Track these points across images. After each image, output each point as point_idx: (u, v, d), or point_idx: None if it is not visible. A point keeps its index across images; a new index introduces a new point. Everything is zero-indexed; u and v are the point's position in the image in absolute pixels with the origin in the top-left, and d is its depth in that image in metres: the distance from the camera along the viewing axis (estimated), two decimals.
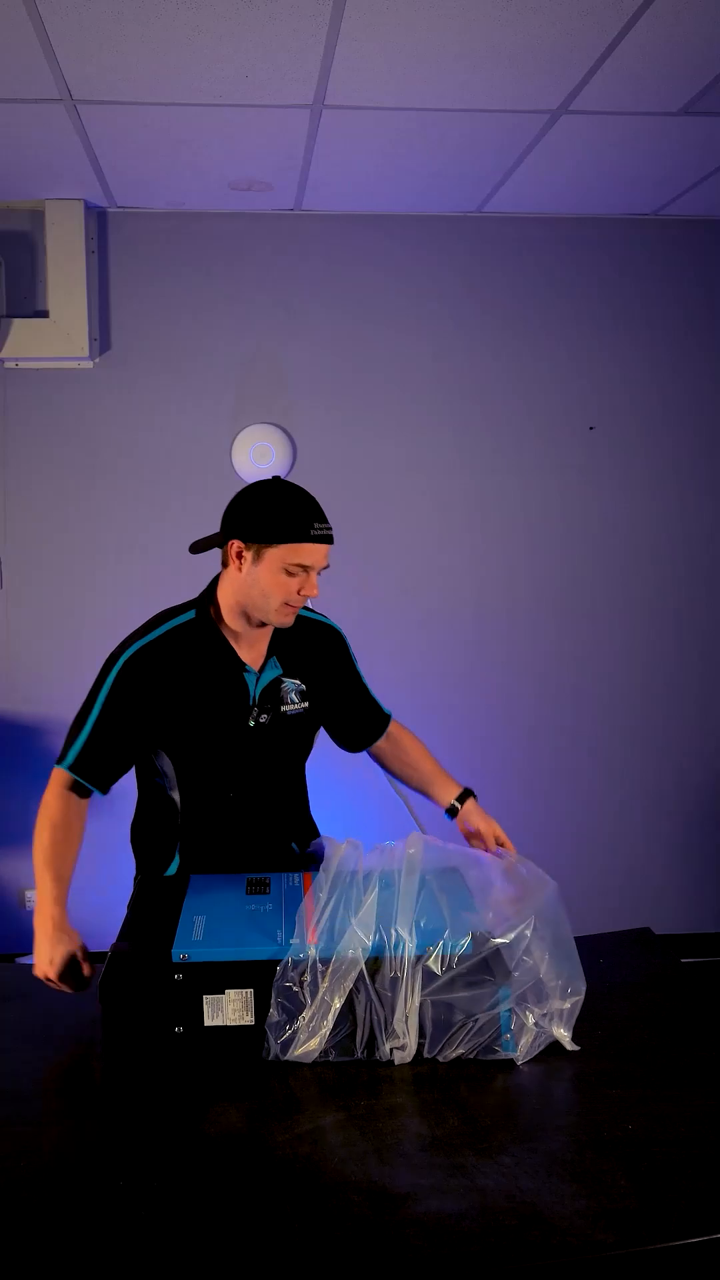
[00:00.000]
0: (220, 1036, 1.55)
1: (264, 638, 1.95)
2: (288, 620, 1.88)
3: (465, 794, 2.05)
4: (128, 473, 3.57)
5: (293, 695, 1.96)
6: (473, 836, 2.00)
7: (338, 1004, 1.54)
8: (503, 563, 3.72)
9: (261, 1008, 1.55)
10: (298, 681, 1.98)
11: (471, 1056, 1.57)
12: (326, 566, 1.86)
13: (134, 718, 1.89)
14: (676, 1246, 1.18)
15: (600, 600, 3.76)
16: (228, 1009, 1.55)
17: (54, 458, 3.54)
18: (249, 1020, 1.56)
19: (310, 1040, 1.54)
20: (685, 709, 3.82)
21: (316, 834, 2.10)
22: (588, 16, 2.28)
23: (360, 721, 2.11)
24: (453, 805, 2.05)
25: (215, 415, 3.57)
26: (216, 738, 1.92)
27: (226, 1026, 1.55)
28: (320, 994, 1.54)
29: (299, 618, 1.95)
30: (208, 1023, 1.55)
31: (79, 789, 1.91)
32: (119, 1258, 1.17)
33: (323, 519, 1.84)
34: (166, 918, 1.69)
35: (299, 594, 1.84)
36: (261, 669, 1.95)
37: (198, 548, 1.94)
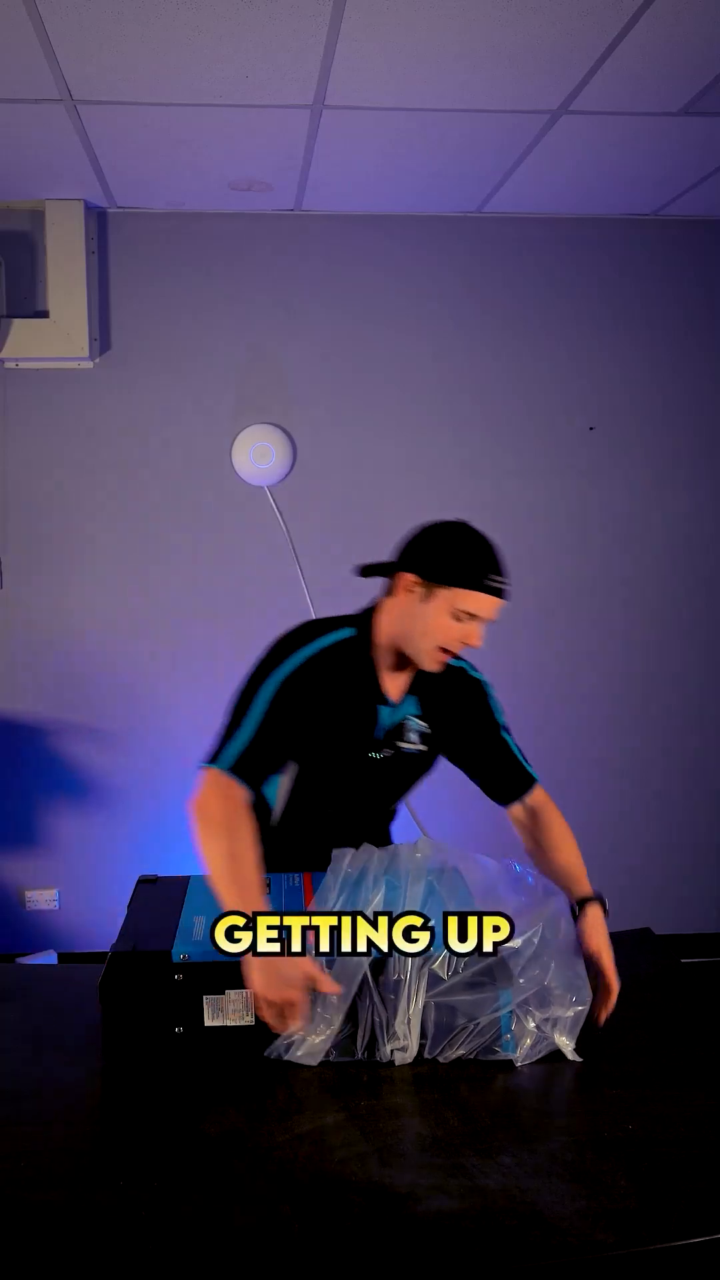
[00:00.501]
0: (220, 1037, 1.56)
1: (408, 673, 1.93)
2: (438, 665, 1.85)
3: (594, 900, 1.87)
4: (128, 473, 3.57)
5: (413, 734, 1.94)
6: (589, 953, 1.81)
7: (343, 1004, 1.54)
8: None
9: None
10: (423, 723, 1.95)
11: (471, 1057, 1.57)
12: (493, 619, 1.83)
13: (290, 727, 1.83)
14: (676, 1246, 1.18)
15: (600, 600, 3.76)
16: (228, 1009, 1.56)
17: (54, 458, 3.54)
18: (249, 1020, 1.56)
19: (314, 1040, 1.54)
20: (686, 709, 3.82)
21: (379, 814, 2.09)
22: (588, 16, 2.28)
23: (499, 775, 2.04)
24: (574, 906, 1.88)
25: (215, 415, 3.57)
26: (339, 762, 1.91)
27: (227, 1027, 1.56)
28: (325, 994, 1.54)
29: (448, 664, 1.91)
30: (208, 1023, 1.55)
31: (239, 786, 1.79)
32: (119, 1258, 1.17)
33: (500, 572, 1.81)
34: (166, 918, 1.68)
35: (459, 641, 1.82)
36: (399, 704, 1.93)
37: (369, 572, 1.93)
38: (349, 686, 1.87)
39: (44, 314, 3.43)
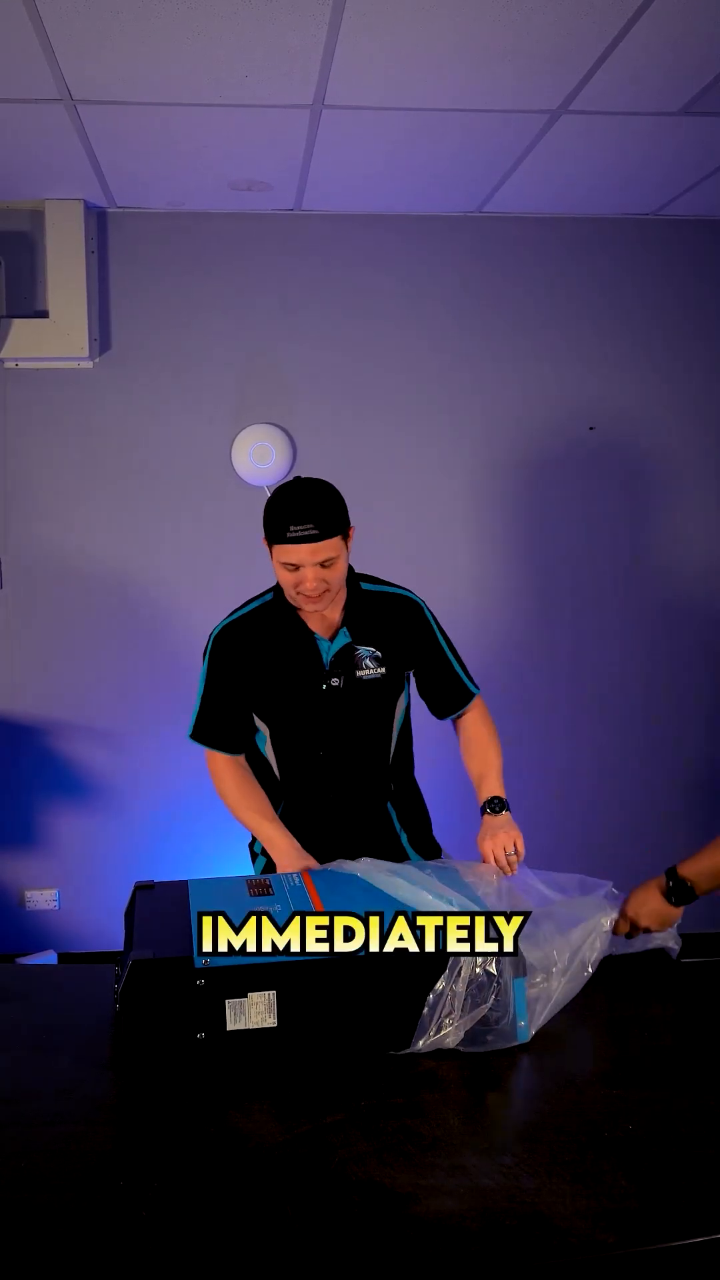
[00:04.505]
0: (243, 1040, 1.54)
1: (337, 610, 2.13)
2: (308, 606, 2.05)
3: (496, 803, 2.09)
4: (128, 473, 3.57)
5: (367, 661, 2.12)
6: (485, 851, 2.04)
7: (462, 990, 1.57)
8: (503, 562, 3.72)
9: (284, 1009, 1.55)
10: (373, 649, 2.13)
11: (483, 1046, 1.58)
12: (329, 560, 1.99)
13: (232, 682, 2.13)
14: (676, 1246, 1.18)
15: (600, 600, 3.75)
16: (250, 1012, 1.55)
17: (54, 458, 3.54)
18: (271, 1022, 1.55)
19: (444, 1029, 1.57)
20: (686, 708, 3.82)
21: (421, 804, 2.29)
22: (588, 16, 2.28)
23: (442, 690, 2.23)
24: (483, 808, 2.11)
25: (215, 415, 3.57)
26: (297, 700, 2.12)
27: (249, 1030, 1.55)
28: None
29: (378, 593, 2.18)
30: (230, 1027, 1.54)
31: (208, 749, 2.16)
32: (119, 1258, 1.17)
33: (302, 520, 1.96)
34: (176, 924, 1.67)
35: (294, 589, 2.01)
36: (333, 638, 2.12)
37: None
38: (282, 635, 2.12)
39: (44, 314, 3.43)
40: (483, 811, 2.09)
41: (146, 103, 2.68)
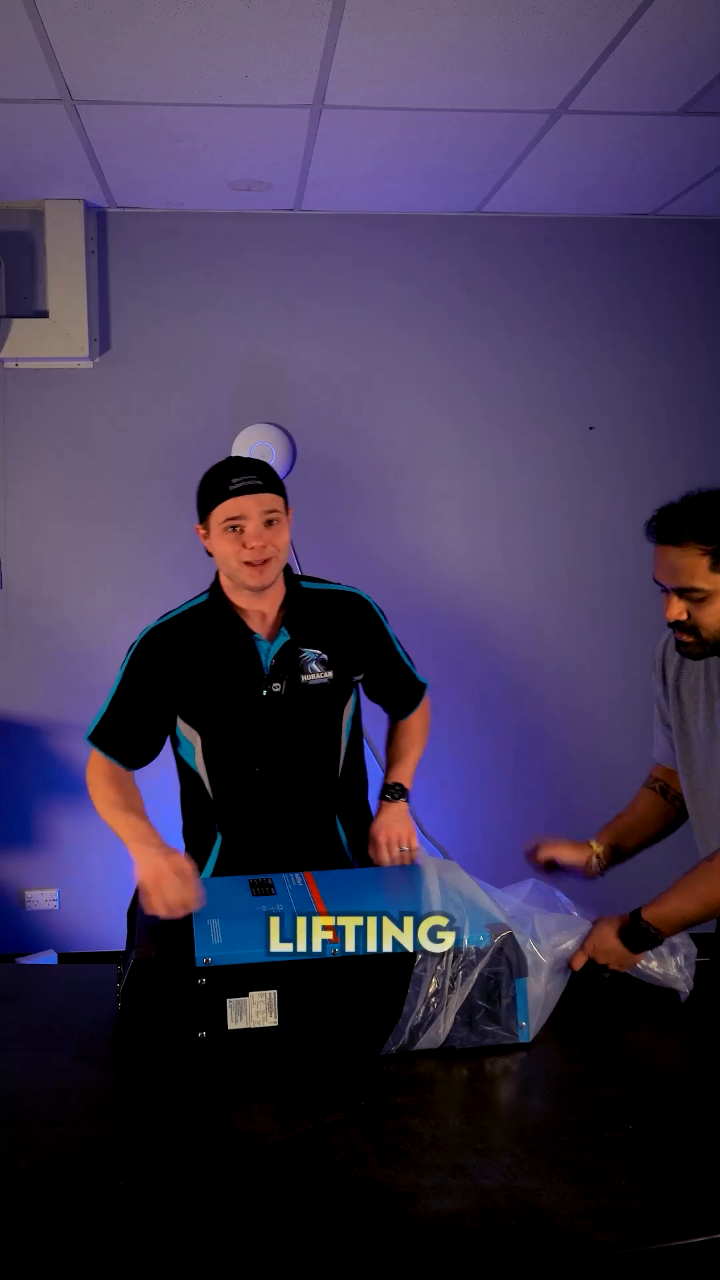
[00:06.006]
0: (243, 1039, 1.54)
1: (275, 607, 1.99)
2: (258, 579, 1.90)
3: (396, 789, 2.05)
4: (127, 472, 3.57)
5: (313, 665, 1.97)
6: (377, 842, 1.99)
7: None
8: (502, 562, 3.72)
9: (285, 1008, 1.55)
10: (318, 651, 1.98)
11: (485, 1043, 1.58)
12: (274, 515, 1.91)
13: (150, 690, 1.98)
14: (676, 1246, 1.18)
15: (600, 600, 3.75)
16: (251, 1011, 1.55)
17: (54, 458, 3.54)
18: (272, 1021, 1.55)
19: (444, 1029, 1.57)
20: None
21: (369, 815, 2.10)
22: (587, 16, 2.28)
23: (397, 691, 2.15)
24: (382, 793, 2.06)
25: (215, 415, 3.56)
26: (232, 707, 1.95)
27: (250, 1029, 1.55)
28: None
29: (320, 591, 2.03)
30: (231, 1026, 1.54)
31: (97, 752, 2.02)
32: (119, 1258, 1.17)
33: (242, 472, 1.90)
34: (177, 923, 1.67)
35: (245, 548, 1.89)
36: (273, 638, 1.97)
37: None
38: (218, 637, 1.97)
39: (44, 314, 3.43)
40: (381, 796, 2.03)
41: (146, 103, 2.68)
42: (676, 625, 1.74)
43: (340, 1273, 1.15)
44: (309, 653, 1.97)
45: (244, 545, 1.89)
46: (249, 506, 1.88)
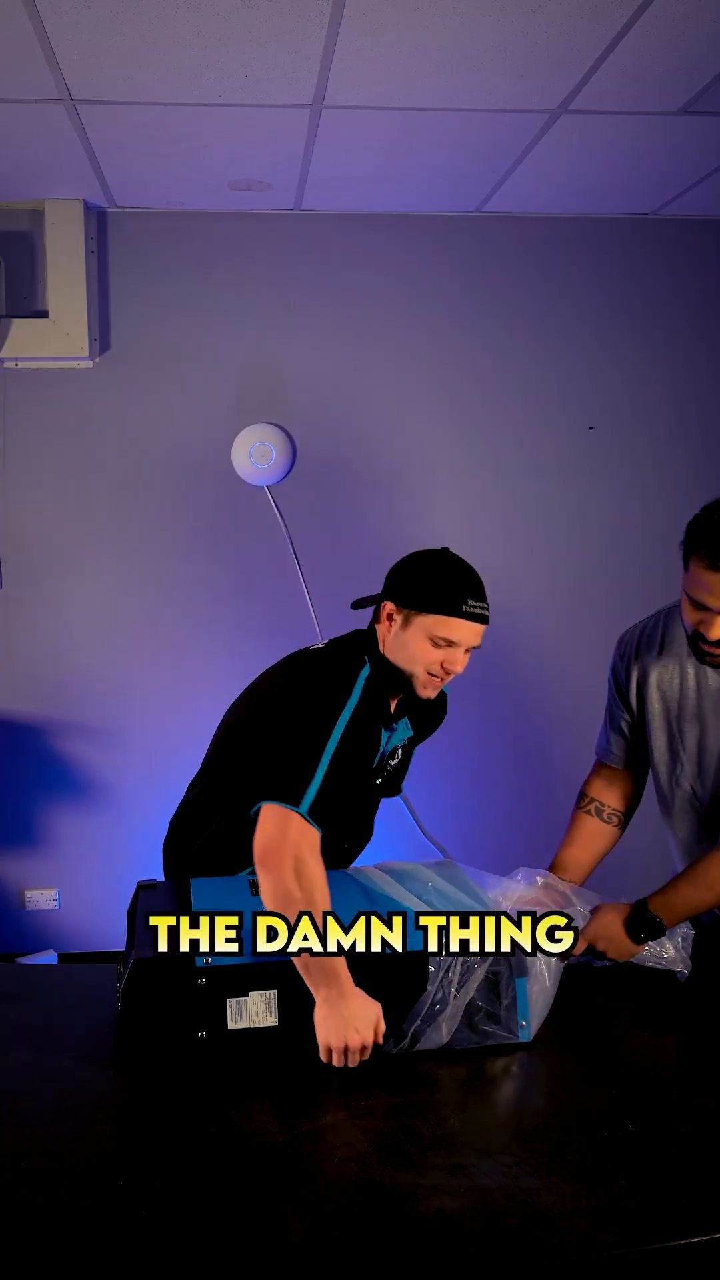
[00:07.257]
0: (243, 1039, 1.54)
1: (398, 697, 1.90)
2: (430, 692, 1.83)
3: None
4: (127, 473, 3.57)
5: (399, 750, 1.96)
6: None
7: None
8: (503, 562, 3.72)
9: (285, 1008, 1.55)
10: (405, 741, 1.98)
11: (485, 1044, 1.58)
12: (478, 646, 1.83)
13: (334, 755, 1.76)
14: (676, 1246, 1.18)
15: (601, 601, 3.75)
16: (251, 1011, 1.55)
17: (54, 458, 3.54)
18: (272, 1021, 1.55)
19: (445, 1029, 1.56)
20: None
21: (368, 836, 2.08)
22: (587, 16, 2.28)
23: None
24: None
25: (215, 415, 3.56)
26: (352, 792, 1.86)
27: (250, 1029, 1.55)
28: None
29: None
30: (231, 1026, 1.54)
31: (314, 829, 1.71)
32: (119, 1258, 1.17)
33: (480, 597, 1.81)
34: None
35: (442, 666, 1.79)
36: (395, 729, 1.92)
37: (359, 605, 1.93)
38: (370, 717, 1.83)
39: (44, 314, 3.43)
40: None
41: (146, 103, 2.68)
42: None
43: (340, 1272, 1.15)
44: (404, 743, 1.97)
45: (442, 665, 1.79)
46: (469, 636, 1.80)
